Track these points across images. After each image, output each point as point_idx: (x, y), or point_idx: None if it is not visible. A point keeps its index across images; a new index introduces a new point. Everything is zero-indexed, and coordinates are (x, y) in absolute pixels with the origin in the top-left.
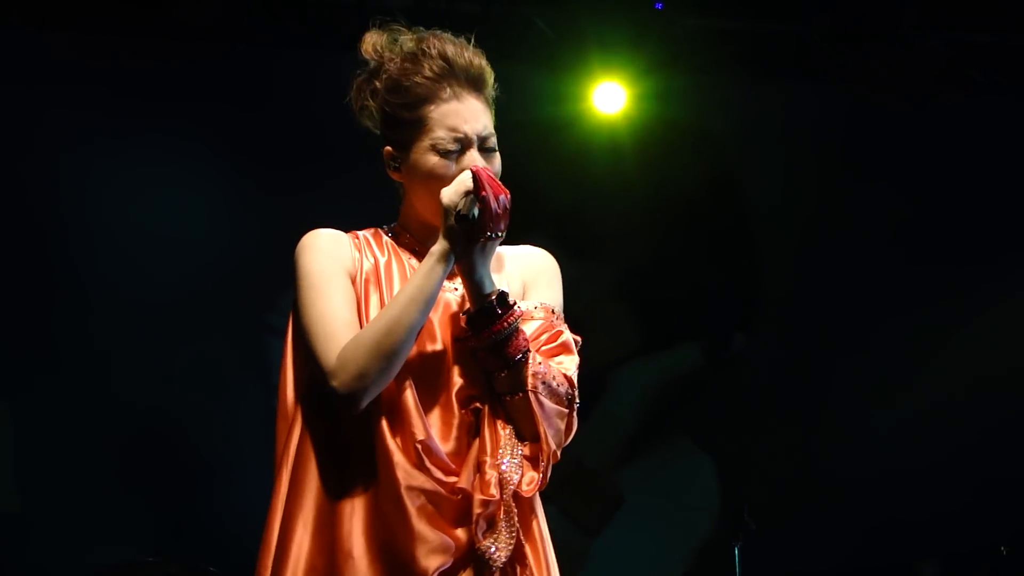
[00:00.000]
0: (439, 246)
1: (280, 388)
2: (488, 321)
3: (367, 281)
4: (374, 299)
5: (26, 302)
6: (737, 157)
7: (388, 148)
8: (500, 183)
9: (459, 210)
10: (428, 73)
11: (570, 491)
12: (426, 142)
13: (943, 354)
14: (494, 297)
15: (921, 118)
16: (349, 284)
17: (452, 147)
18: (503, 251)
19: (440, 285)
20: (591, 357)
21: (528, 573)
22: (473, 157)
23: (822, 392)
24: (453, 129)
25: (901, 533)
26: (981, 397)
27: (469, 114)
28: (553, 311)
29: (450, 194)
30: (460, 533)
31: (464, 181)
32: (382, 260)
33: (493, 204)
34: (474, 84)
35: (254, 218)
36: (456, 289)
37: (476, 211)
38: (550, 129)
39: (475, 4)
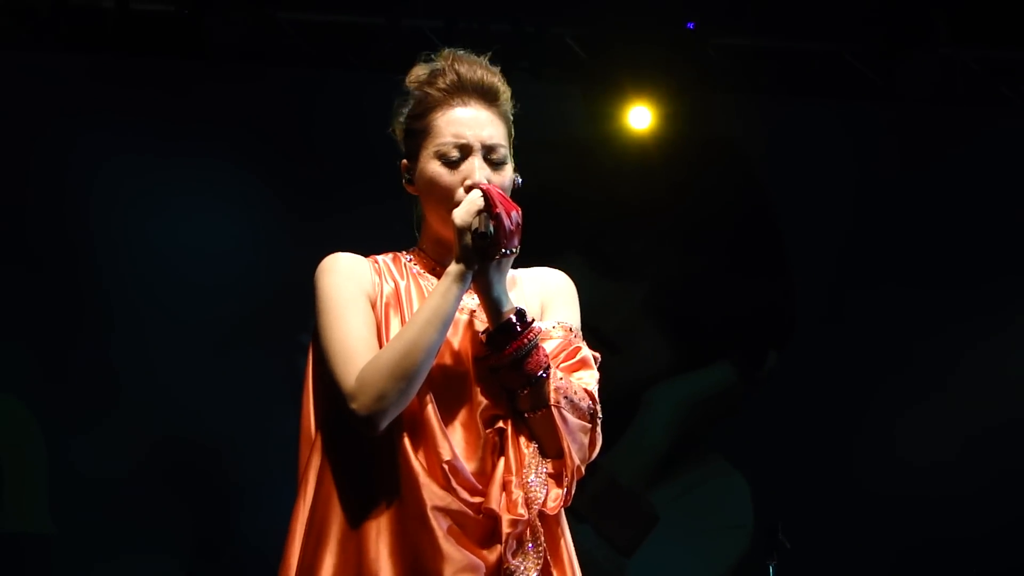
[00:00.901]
0: (455, 267)
1: (302, 411)
2: (507, 338)
3: (387, 305)
4: (395, 323)
5: (58, 325)
6: (770, 175)
7: (404, 161)
8: (510, 199)
9: (475, 228)
10: (441, 85)
11: (604, 510)
12: (431, 149)
13: (981, 372)
14: (512, 314)
15: (953, 135)
16: (369, 307)
17: (454, 154)
18: (520, 273)
19: (457, 305)
20: (624, 375)
21: None
22: (474, 165)
23: (856, 410)
24: (456, 135)
25: (937, 552)
26: (1020, 417)
27: (474, 121)
28: (571, 329)
29: (462, 214)
30: (486, 553)
31: (475, 200)
32: (402, 284)
33: (506, 221)
34: (485, 96)
35: (288, 237)
36: (473, 311)
37: (492, 227)
38: (583, 148)
39: (507, 24)
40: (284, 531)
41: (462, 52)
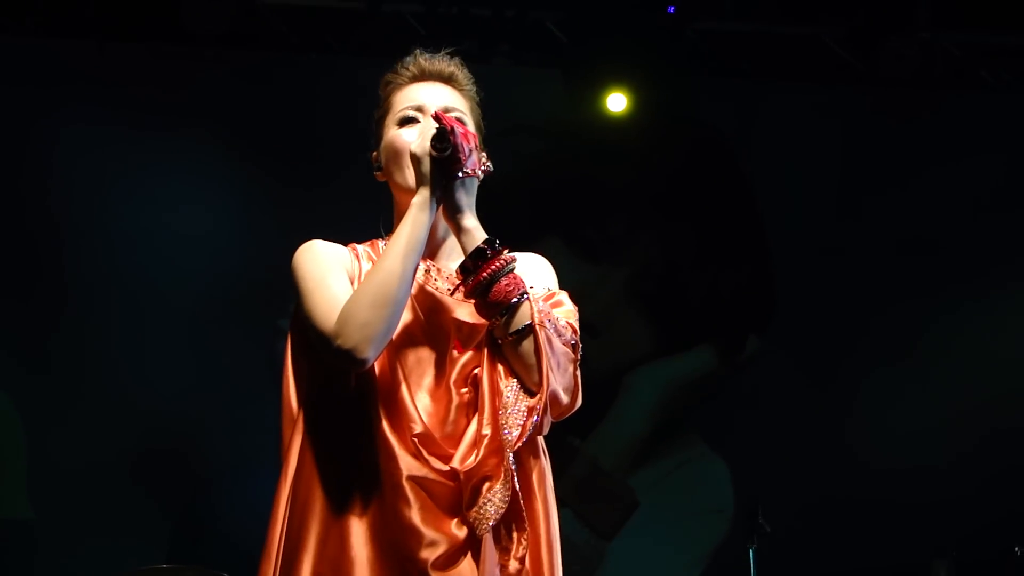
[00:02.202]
0: (419, 196)
1: (283, 393)
2: (480, 262)
3: None
4: None
5: (36, 308)
6: (750, 159)
7: (373, 153)
8: (464, 126)
9: (432, 142)
10: (403, 73)
11: (585, 494)
12: (390, 121)
13: (959, 356)
14: (484, 241)
15: (933, 118)
16: (347, 278)
17: (410, 114)
18: None
19: (427, 230)
20: (605, 359)
21: (524, 537)
22: (431, 121)
23: (836, 394)
24: (411, 101)
25: (915, 534)
26: (997, 399)
27: (432, 92)
28: (551, 290)
29: (418, 142)
30: (457, 522)
31: (428, 128)
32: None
33: (462, 141)
34: (442, 78)
35: (268, 223)
36: (449, 290)
37: (450, 141)
38: (563, 132)
39: (487, 9)
40: (263, 514)
41: (430, 51)
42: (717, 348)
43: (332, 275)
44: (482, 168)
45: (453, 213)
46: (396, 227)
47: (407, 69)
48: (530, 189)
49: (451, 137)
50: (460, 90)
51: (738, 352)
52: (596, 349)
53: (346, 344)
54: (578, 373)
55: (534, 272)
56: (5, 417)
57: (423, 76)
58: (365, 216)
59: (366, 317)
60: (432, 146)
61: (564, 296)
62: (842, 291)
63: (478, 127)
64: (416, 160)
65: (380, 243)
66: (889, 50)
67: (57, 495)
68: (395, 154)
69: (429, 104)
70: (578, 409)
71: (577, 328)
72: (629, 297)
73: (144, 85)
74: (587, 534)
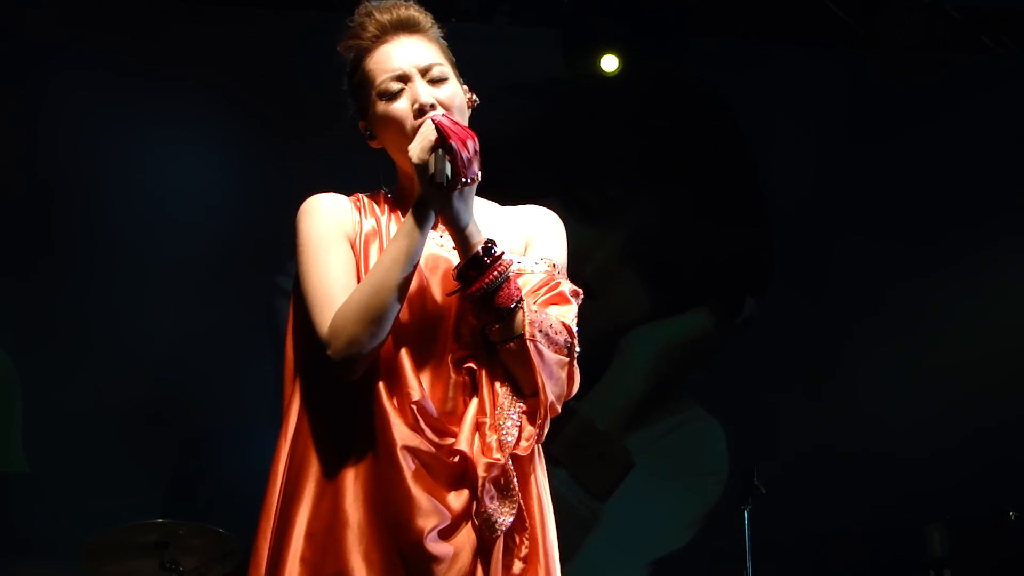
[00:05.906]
0: (418, 203)
1: (285, 355)
2: (476, 272)
3: (366, 242)
4: (373, 257)
5: (33, 265)
6: (749, 122)
7: (361, 122)
8: (464, 126)
9: (433, 175)
10: (364, 36)
11: (580, 455)
12: (374, 95)
13: (958, 320)
14: (480, 248)
15: (934, 83)
16: (348, 248)
17: (394, 86)
18: (506, 210)
19: (423, 242)
20: (601, 321)
21: (526, 537)
22: (417, 88)
23: (832, 357)
24: (390, 69)
25: (910, 496)
26: (994, 365)
27: (402, 51)
28: (555, 265)
29: (417, 150)
30: (454, 495)
31: (427, 134)
32: (383, 219)
33: (462, 152)
34: (404, 27)
35: (265, 180)
36: (454, 249)
37: (448, 167)
38: (562, 93)
39: None
40: (258, 472)
41: (375, 1)
42: (714, 310)
43: (332, 251)
44: (473, 102)
45: (450, 221)
46: (401, 181)
47: (365, 29)
48: (529, 150)
49: (452, 158)
50: (425, 34)
51: (735, 314)
52: (593, 311)
53: (336, 358)
54: (574, 371)
55: (543, 235)
56: (5, 375)
57: (384, 31)
58: (363, 167)
59: (354, 334)
60: (434, 180)
61: (567, 285)
62: (840, 255)
63: (450, 62)
64: (417, 168)
65: (385, 196)
66: (890, 14)
67: (53, 450)
68: (391, 129)
69: (407, 66)
70: None
71: (574, 327)
72: (626, 259)
73: (142, 36)
74: (582, 494)
